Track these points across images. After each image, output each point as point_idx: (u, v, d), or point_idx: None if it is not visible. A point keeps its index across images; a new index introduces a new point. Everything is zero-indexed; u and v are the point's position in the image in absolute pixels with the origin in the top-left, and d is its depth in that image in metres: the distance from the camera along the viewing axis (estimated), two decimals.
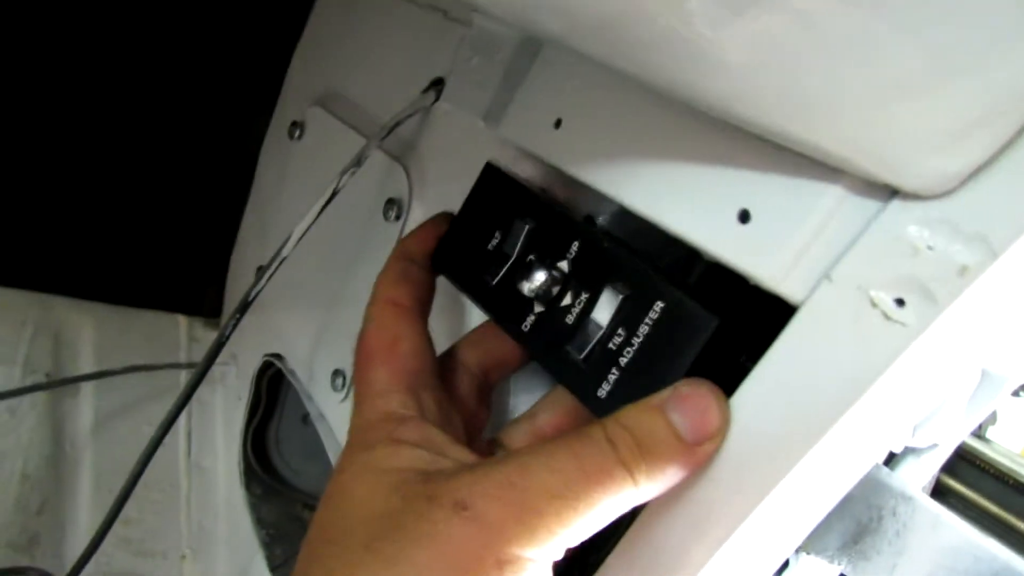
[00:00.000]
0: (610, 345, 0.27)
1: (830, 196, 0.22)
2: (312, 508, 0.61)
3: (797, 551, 0.29)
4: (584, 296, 0.28)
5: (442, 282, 0.35)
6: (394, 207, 0.45)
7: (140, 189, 0.61)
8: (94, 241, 0.61)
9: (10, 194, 0.57)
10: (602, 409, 0.26)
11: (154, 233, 0.63)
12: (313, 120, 0.55)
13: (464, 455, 0.27)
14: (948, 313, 0.20)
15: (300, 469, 0.61)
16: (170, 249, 0.64)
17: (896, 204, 0.21)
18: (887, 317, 0.20)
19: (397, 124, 0.42)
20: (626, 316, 0.26)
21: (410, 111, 0.42)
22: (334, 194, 0.41)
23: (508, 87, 0.36)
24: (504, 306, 0.31)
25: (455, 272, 0.33)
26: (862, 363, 0.21)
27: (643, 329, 0.26)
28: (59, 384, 0.58)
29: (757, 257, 0.24)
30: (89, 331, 0.61)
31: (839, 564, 0.30)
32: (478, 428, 0.33)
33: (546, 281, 0.29)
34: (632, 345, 0.26)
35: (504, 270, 0.31)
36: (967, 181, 0.20)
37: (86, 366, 0.60)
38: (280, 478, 0.61)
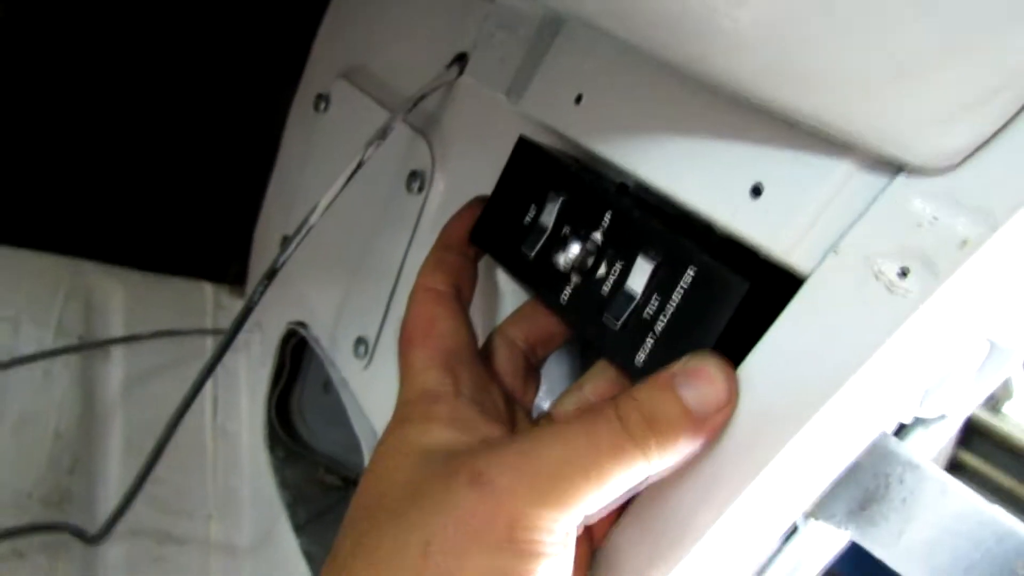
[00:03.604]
0: (645, 313, 0.27)
1: (839, 171, 0.23)
2: (332, 471, 0.62)
3: (805, 516, 0.29)
4: (618, 265, 0.28)
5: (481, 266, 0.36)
6: (417, 179, 0.46)
7: (169, 159, 0.62)
8: (124, 209, 0.63)
9: (45, 163, 0.58)
10: (640, 376, 0.27)
11: (182, 202, 0.64)
12: (338, 93, 0.56)
13: (493, 430, 0.28)
14: (950, 283, 0.21)
15: (322, 434, 0.63)
16: (197, 218, 0.65)
17: (902, 179, 0.22)
18: (890, 287, 0.21)
19: (421, 98, 0.43)
20: (659, 283, 0.27)
21: (434, 85, 0.43)
22: (359, 166, 0.42)
23: (530, 63, 0.37)
24: (542, 279, 0.31)
25: (493, 247, 0.34)
26: (866, 331, 0.22)
27: (676, 295, 0.26)
28: (90, 347, 0.60)
29: (768, 230, 0.24)
30: (119, 296, 0.63)
31: (847, 529, 0.31)
32: (526, 402, 0.34)
33: (581, 252, 0.29)
34: (666, 312, 0.27)
35: (540, 244, 0.32)
36: (970, 157, 0.20)
37: (116, 330, 0.62)
38: (302, 442, 0.63)
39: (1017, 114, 0.19)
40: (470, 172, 0.44)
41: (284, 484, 0.60)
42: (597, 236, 0.30)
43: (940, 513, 0.30)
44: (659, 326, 0.27)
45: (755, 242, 0.25)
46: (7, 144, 0.57)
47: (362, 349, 0.49)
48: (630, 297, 0.28)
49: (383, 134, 0.43)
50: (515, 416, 0.33)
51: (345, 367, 0.52)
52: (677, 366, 0.25)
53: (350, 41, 0.57)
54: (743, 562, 0.27)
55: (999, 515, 0.29)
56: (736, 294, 0.25)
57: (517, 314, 0.35)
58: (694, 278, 0.26)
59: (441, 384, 0.30)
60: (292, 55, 0.61)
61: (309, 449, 0.63)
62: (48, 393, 0.58)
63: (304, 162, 0.60)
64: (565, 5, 0.24)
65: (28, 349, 0.56)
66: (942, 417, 0.35)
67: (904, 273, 0.21)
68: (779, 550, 0.29)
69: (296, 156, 0.62)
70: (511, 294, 0.41)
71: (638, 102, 0.30)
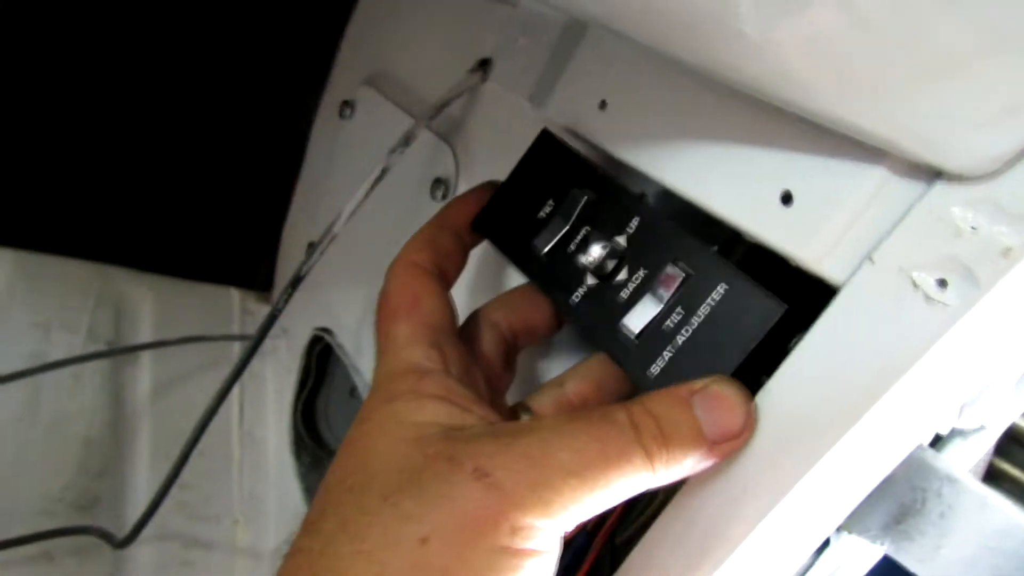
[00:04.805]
0: (666, 324, 0.27)
1: (873, 178, 0.22)
2: None
3: (838, 530, 0.29)
4: (642, 272, 0.28)
5: (476, 257, 0.35)
6: (441, 186, 0.46)
7: (197, 166, 0.63)
8: (153, 216, 0.63)
9: (76, 171, 0.59)
10: (652, 387, 0.26)
11: (210, 209, 0.65)
12: (363, 99, 0.56)
13: (486, 413, 0.27)
14: (991, 294, 0.20)
15: None
16: (225, 224, 0.66)
17: (940, 186, 0.21)
18: (929, 298, 0.21)
19: (445, 105, 0.43)
20: (686, 296, 0.26)
21: (458, 91, 0.43)
22: (383, 174, 0.42)
23: (554, 68, 0.36)
24: (553, 277, 0.30)
25: (500, 236, 0.33)
26: (903, 344, 0.21)
27: (703, 310, 0.26)
28: (120, 352, 0.61)
29: (798, 238, 0.24)
30: (148, 302, 0.63)
31: (882, 544, 0.30)
32: (501, 389, 0.33)
33: (602, 255, 0.28)
34: (690, 325, 0.26)
35: (556, 240, 0.31)
36: (1012, 162, 0.20)
37: (145, 335, 0.62)
38: (328, 448, 0.63)
39: None
40: (494, 177, 0.44)
41: (309, 490, 0.60)
42: (621, 240, 0.29)
43: (980, 529, 0.29)
44: (680, 339, 0.26)
45: (785, 251, 0.24)
46: (40, 153, 0.58)
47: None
48: (653, 306, 0.27)
49: (407, 141, 0.43)
50: (496, 403, 0.32)
51: (370, 374, 0.52)
52: (698, 385, 0.25)
53: (375, 47, 0.57)
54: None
55: None
56: (771, 317, 0.24)
57: (502, 300, 0.34)
58: (725, 294, 0.25)
59: (429, 359, 0.28)
60: (318, 62, 0.62)
61: (335, 455, 0.63)
62: (78, 398, 0.58)
63: (330, 168, 0.60)
64: (586, 12, 0.24)
65: (59, 354, 0.57)
66: (981, 428, 0.34)
67: (943, 284, 0.20)
68: (811, 564, 0.28)
69: (322, 162, 0.62)
70: (490, 284, 0.41)
71: (664, 108, 0.29)
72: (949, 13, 0.17)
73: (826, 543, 0.29)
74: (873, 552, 0.30)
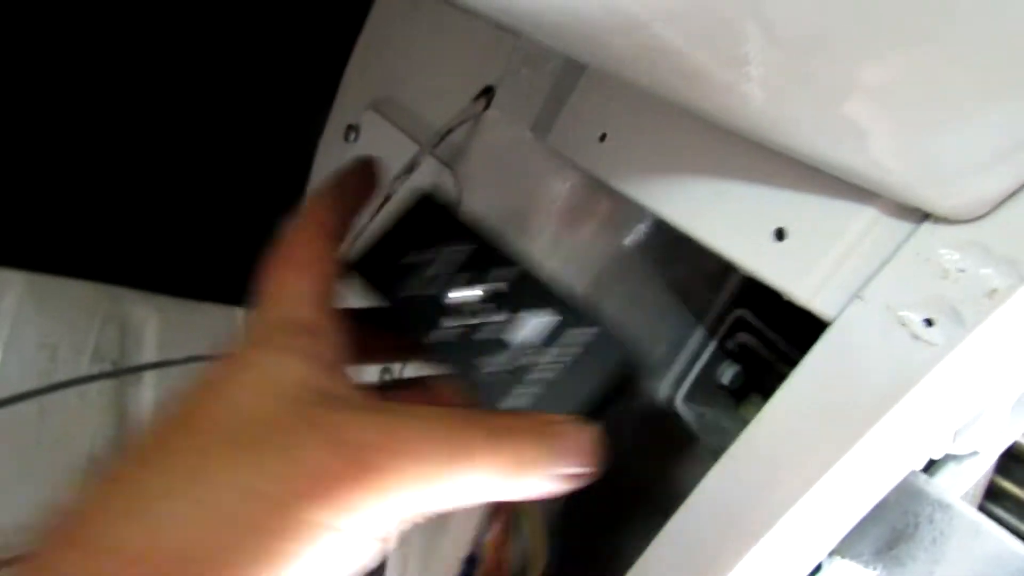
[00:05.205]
0: (531, 364, 0.28)
1: (863, 218, 0.23)
2: None
3: (831, 555, 0.29)
4: (514, 316, 0.29)
5: None
6: None
7: (201, 187, 0.64)
8: (158, 236, 0.64)
9: (84, 194, 0.60)
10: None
11: (214, 229, 0.66)
12: (368, 124, 0.57)
13: (349, 381, 0.27)
14: (976, 334, 0.20)
15: None
16: (229, 244, 0.67)
17: (927, 227, 0.22)
18: (915, 336, 0.21)
19: (448, 132, 0.44)
20: (551, 340, 0.28)
21: (461, 119, 0.44)
22: (386, 200, 0.43)
23: (556, 99, 0.37)
24: (426, 314, 0.32)
25: (377, 277, 0.34)
26: (891, 380, 0.22)
27: (566, 352, 0.28)
28: (124, 372, 0.61)
29: (791, 274, 0.24)
30: (153, 322, 0.64)
31: (874, 569, 0.31)
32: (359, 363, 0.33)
33: (477, 298, 0.30)
34: (553, 366, 0.28)
35: (433, 285, 0.32)
36: (998, 206, 0.20)
37: (150, 355, 0.63)
38: None
39: None
40: (495, 204, 0.44)
41: None
42: (497, 286, 0.30)
43: (972, 555, 0.29)
44: (542, 377, 0.28)
45: (777, 285, 0.25)
46: (49, 176, 0.59)
47: (387, 377, 0.50)
48: (518, 347, 0.29)
49: (410, 168, 0.43)
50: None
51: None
52: (553, 417, 0.26)
53: (380, 73, 0.58)
54: None
55: None
56: (622, 363, 0.26)
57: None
58: (587, 340, 0.27)
59: (308, 316, 0.27)
60: (324, 85, 0.62)
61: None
62: (84, 417, 0.59)
63: None
64: (581, 55, 0.25)
65: (65, 374, 0.57)
66: (974, 453, 0.34)
67: (929, 323, 0.21)
68: None
69: None
70: None
71: (662, 143, 0.30)
72: (947, 72, 0.17)
73: (818, 568, 0.30)
74: None
